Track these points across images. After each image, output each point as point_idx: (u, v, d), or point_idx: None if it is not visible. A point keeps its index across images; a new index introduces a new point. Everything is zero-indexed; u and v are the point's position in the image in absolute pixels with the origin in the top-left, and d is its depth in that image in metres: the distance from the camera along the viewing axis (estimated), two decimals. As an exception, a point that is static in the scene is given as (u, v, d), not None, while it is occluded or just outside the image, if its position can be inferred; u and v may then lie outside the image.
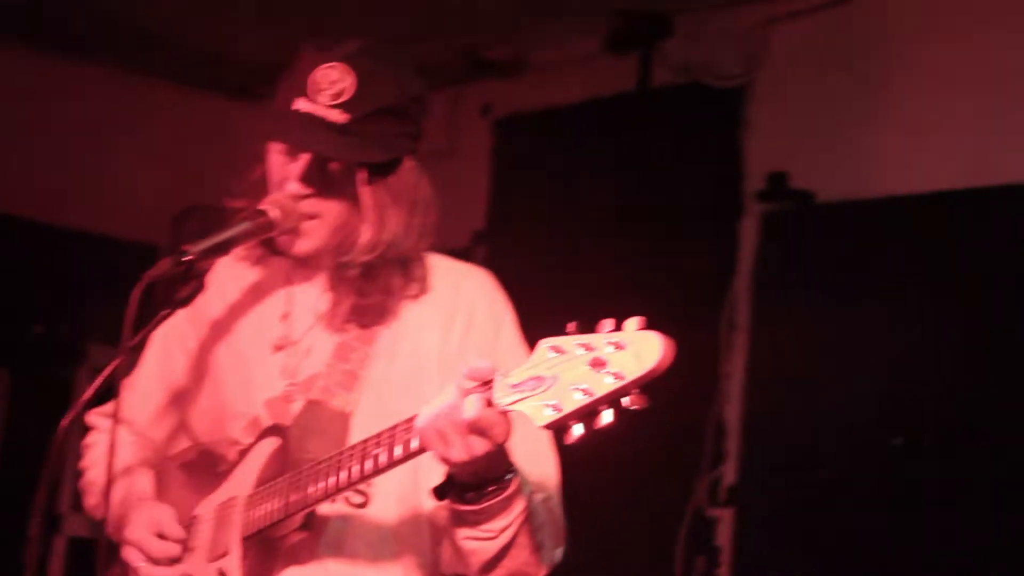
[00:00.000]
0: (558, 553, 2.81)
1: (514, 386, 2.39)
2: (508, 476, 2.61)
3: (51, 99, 7.00)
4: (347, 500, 2.82)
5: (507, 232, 6.41)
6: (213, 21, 6.70)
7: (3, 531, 6.51)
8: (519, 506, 2.65)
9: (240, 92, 7.52)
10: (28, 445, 6.42)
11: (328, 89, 2.80)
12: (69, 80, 7.06)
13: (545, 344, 2.36)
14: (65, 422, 2.66)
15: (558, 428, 2.32)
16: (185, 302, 2.76)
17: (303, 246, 2.90)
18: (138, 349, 2.94)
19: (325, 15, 6.09)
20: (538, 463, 2.81)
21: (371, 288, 2.89)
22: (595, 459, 2.70)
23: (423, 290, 2.95)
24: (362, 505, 2.86)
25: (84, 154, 7.07)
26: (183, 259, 2.71)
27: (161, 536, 2.95)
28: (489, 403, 2.44)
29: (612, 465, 4.53)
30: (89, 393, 2.69)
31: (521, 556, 2.71)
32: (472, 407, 2.44)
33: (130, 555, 2.96)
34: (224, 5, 6.48)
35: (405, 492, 2.89)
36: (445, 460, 2.53)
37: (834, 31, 5.67)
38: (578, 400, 2.28)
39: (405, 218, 2.87)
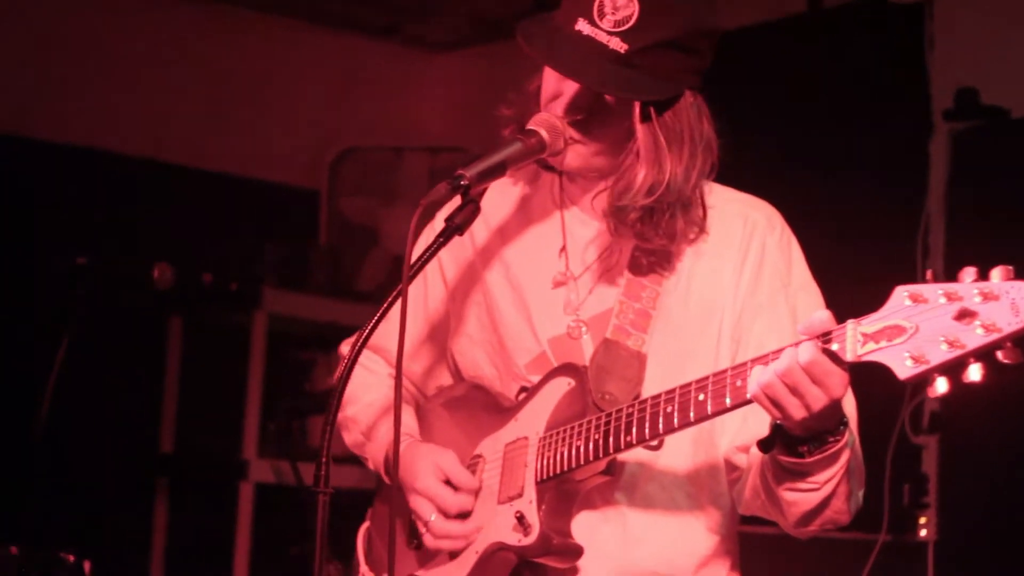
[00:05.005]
0: (861, 495, 2.75)
1: (868, 335, 2.32)
2: (841, 427, 2.54)
3: (205, 45, 6.98)
4: (644, 444, 2.73)
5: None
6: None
7: (184, 475, 6.61)
8: (845, 456, 2.58)
9: (385, 32, 7.47)
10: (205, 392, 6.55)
11: (612, 14, 2.70)
12: (221, 25, 7.03)
13: (902, 291, 2.29)
14: (351, 354, 2.58)
15: (920, 381, 2.26)
16: (462, 228, 2.69)
17: (568, 161, 2.83)
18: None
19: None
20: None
21: (652, 233, 2.80)
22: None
23: (702, 232, 2.86)
24: (656, 448, 2.79)
25: (241, 100, 7.05)
26: (460, 183, 2.65)
27: (449, 483, 2.88)
28: (830, 352, 2.37)
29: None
30: (373, 323, 2.60)
31: (836, 505, 2.65)
32: (806, 354, 2.38)
33: (419, 506, 2.89)
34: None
35: (699, 435, 2.83)
36: (782, 418, 2.47)
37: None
38: (944, 352, 2.21)
39: (684, 159, 2.77)
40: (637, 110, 2.76)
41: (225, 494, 6.30)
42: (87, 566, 4.94)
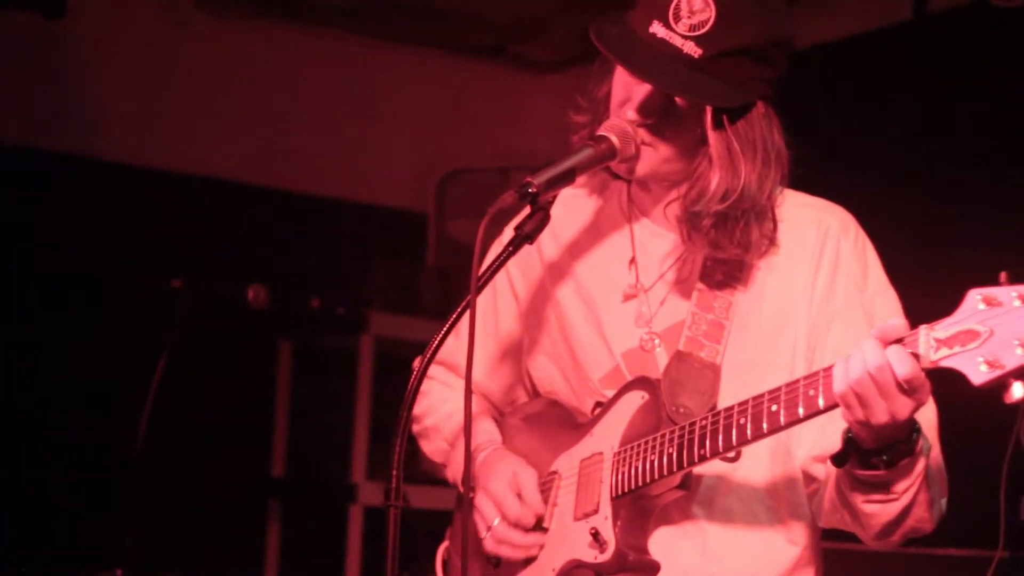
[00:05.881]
0: (944, 503, 2.69)
1: (941, 341, 2.26)
2: (914, 435, 2.48)
3: (310, 71, 7.03)
4: (720, 456, 2.69)
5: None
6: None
7: (295, 498, 6.65)
8: (921, 464, 2.53)
9: (491, 53, 7.47)
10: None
11: (688, 18, 2.67)
12: (326, 50, 7.08)
13: (975, 295, 2.23)
14: (421, 368, 2.58)
15: (995, 386, 2.21)
16: (531, 237, 2.66)
17: (639, 168, 2.79)
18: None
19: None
20: (922, 411, 2.62)
21: (727, 242, 2.76)
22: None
23: (772, 245, 2.81)
24: (733, 460, 2.75)
25: (348, 124, 7.09)
26: (528, 190, 2.62)
27: (520, 498, 2.87)
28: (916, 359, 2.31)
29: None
30: (441, 336, 2.59)
31: (917, 513, 2.60)
32: (906, 365, 2.31)
33: (485, 507, 2.89)
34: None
35: (776, 446, 2.79)
36: (862, 424, 2.40)
37: None
38: (1020, 356, 2.16)
39: (757, 167, 2.73)
40: (709, 116, 2.72)
41: (335, 517, 6.31)
42: (198, 589, 4.99)
